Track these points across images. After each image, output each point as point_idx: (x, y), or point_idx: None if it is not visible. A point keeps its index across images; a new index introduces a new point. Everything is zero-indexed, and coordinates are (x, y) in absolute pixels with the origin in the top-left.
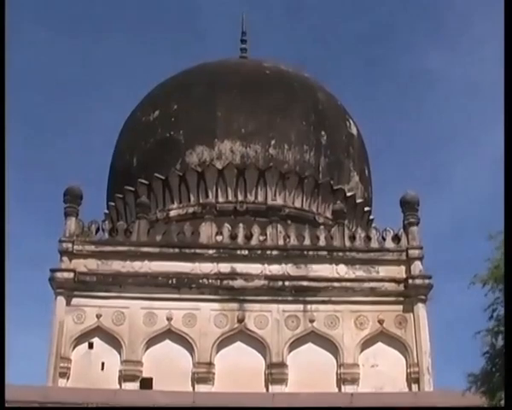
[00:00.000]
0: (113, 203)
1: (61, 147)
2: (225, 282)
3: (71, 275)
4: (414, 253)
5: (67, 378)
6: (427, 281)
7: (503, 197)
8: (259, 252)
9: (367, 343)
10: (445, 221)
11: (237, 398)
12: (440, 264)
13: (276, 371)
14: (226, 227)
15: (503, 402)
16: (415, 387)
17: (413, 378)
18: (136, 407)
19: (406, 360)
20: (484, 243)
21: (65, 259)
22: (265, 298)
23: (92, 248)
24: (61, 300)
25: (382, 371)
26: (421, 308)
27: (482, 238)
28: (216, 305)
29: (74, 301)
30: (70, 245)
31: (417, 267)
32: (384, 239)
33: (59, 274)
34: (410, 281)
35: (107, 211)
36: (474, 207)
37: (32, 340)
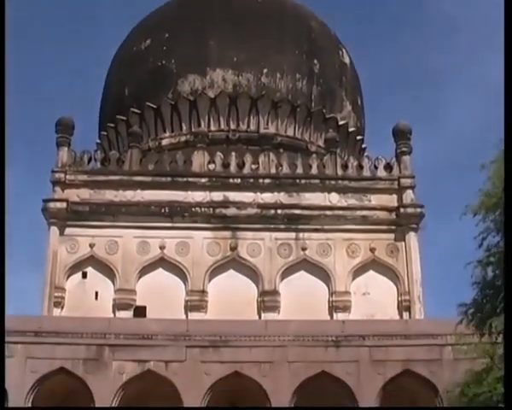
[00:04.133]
0: (105, 133)
1: (53, 77)
2: (218, 210)
3: (63, 205)
4: (406, 182)
5: (62, 308)
6: (418, 210)
7: (503, 124)
8: (252, 180)
9: (358, 271)
10: (437, 153)
11: (230, 325)
12: (432, 195)
13: (268, 299)
14: (218, 156)
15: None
16: (405, 315)
17: (404, 306)
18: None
19: (397, 288)
20: (476, 175)
21: (57, 189)
22: (258, 226)
23: (85, 177)
24: (55, 230)
25: (374, 299)
26: (412, 237)
27: (474, 170)
28: (209, 233)
29: (67, 230)
30: (62, 175)
31: (409, 196)
32: (376, 168)
33: (51, 204)
34: (402, 210)
35: (99, 141)
36: (467, 138)
37: (27, 271)
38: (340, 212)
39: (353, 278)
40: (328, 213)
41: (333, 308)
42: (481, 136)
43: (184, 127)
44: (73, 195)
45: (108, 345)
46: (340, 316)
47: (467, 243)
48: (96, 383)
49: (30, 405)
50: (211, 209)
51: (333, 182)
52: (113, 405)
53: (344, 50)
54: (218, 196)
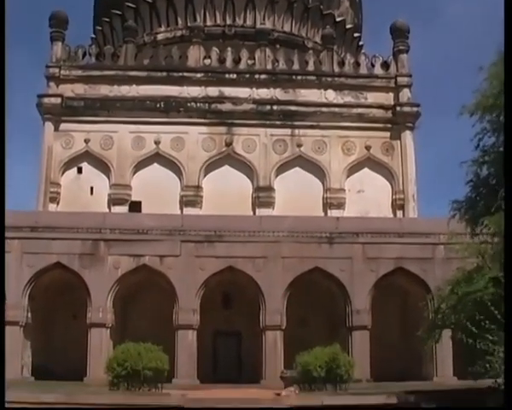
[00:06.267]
0: (99, 28)
1: None
2: (213, 105)
3: (58, 100)
4: (403, 80)
5: (57, 203)
6: (415, 109)
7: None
8: (248, 76)
9: (354, 169)
10: (435, 52)
11: (225, 221)
12: (429, 95)
13: (263, 195)
14: (214, 51)
15: (484, 230)
16: (399, 213)
17: (398, 205)
18: None
19: (392, 186)
20: (474, 75)
21: (52, 84)
22: (253, 122)
23: (79, 72)
24: (49, 125)
25: (368, 196)
26: (408, 136)
27: (472, 70)
28: (204, 128)
29: (62, 126)
30: (57, 70)
31: (405, 95)
32: (373, 66)
33: (46, 100)
34: (398, 108)
35: (93, 36)
36: (466, 38)
37: (22, 167)
38: (336, 109)
39: (348, 176)
40: (324, 109)
41: (327, 205)
42: (480, 35)
43: (180, 22)
44: (68, 90)
45: (104, 240)
46: (334, 213)
47: (462, 143)
48: (92, 278)
49: (27, 299)
50: (206, 105)
51: (329, 79)
52: (108, 299)
53: None
54: (213, 91)
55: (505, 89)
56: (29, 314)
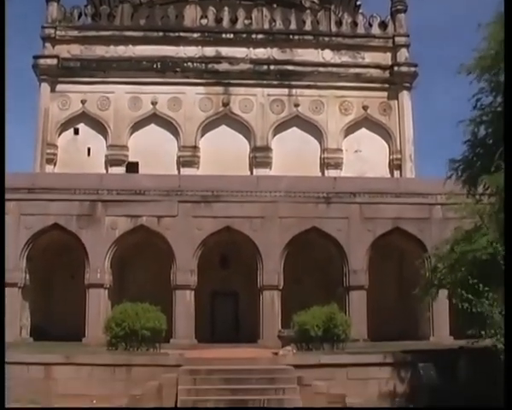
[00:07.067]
0: None
1: None
2: (210, 65)
3: (54, 61)
4: (400, 40)
5: (54, 164)
6: (412, 69)
7: None
8: (245, 35)
9: (351, 129)
10: (433, 11)
11: (222, 181)
12: (427, 55)
13: (260, 155)
14: (211, 10)
15: (481, 190)
16: (397, 173)
17: (395, 165)
18: None
19: (389, 146)
20: (472, 35)
21: (48, 45)
22: (250, 82)
23: (75, 33)
24: (46, 87)
25: (365, 156)
26: (405, 96)
27: (471, 30)
28: (201, 89)
29: (59, 87)
30: (52, 31)
31: (403, 55)
32: (371, 25)
33: (42, 61)
34: (396, 68)
35: None
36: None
37: (18, 128)
38: (334, 69)
39: (345, 136)
40: (321, 69)
41: (324, 165)
42: None
43: None
44: (64, 51)
45: (101, 201)
46: (331, 173)
47: (459, 104)
48: (90, 239)
49: (25, 260)
50: (203, 65)
51: (326, 38)
52: (106, 260)
53: None
54: (210, 51)
55: (505, 48)
56: (27, 276)
